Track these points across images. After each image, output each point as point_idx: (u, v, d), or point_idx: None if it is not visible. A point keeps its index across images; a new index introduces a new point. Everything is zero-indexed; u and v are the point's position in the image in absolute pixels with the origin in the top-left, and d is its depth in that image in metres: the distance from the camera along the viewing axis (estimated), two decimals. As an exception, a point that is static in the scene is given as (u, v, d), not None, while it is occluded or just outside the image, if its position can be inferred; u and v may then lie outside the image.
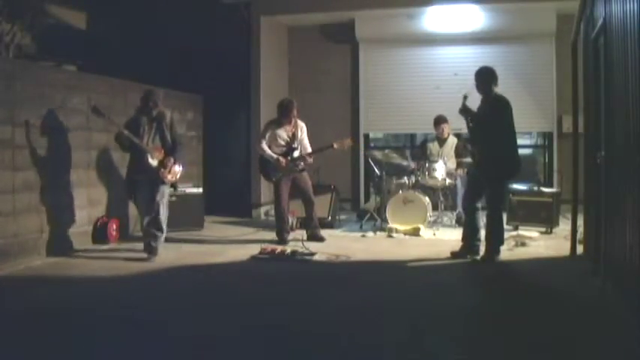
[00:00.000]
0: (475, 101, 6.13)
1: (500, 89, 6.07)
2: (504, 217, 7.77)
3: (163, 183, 6.31)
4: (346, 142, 7.61)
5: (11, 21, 8.72)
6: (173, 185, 7.10)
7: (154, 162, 6.24)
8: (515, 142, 6.09)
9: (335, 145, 7.46)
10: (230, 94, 9.80)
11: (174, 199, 7.96)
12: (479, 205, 6.16)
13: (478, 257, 6.08)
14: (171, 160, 6.31)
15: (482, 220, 6.17)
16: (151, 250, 6.27)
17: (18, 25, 8.81)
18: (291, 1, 9.84)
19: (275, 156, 7.21)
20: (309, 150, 7.37)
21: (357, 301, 4.73)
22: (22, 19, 8.86)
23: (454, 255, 6.21)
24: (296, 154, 7.29)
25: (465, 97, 6.04)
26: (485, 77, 6.04)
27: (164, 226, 6.39)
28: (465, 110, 6.08)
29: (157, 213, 6.28)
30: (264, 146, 7.28)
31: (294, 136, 7.31)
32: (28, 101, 6.33)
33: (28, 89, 6.34)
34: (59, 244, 6.62)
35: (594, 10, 5.34)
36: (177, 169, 6.40)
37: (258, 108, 9.66)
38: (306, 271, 5.89)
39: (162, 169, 6.25)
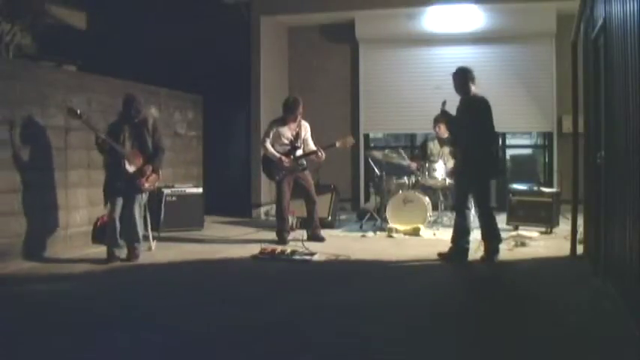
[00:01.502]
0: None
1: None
2: (504, 217, 7.79)
3: (140, 191, 6.17)
4: (348, 141, 7.61)
5: (11, 21, 8.73)
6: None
7: (130, 168, 6.10)
8: (496, 141, 6.07)
9: (337, 144, 7.46)
10: (230, 94, 9.80)
11: (174, 199, 7.98)
12: (469, 205, 6.16)
13: (466, 260, 6.06)
14: (150, 168, 6.20)
15: (471, 221, 6.19)
16: (131, 257, 6.15)
17: (18, 25, 8.81)
18: (291, 1, 9.84)
19: (277, 155, 7.21)
20: (314, 149, 7.35)
21: (357, 301, 4.72)
22: (22, 19, 8.87)
23: (441, 256, 6.16)
24: (299, 153, 7.30)
25: (444, 104, 6.18)
26: (462, 78, 6.01)
27: (140, 235, 6.25)
28: (443, 114, 6.23)
29: (133, 225, 6.14)
30: (268, 145, 7.27)
31: (297, 135, 7.30)
32: (28, 101, 6.33)
33: (28, 89, 6.34)
34: (58, 244, 6.63)
35: (594, 10, 5.34)
36: (155, 177, 6.29)
37: (258, 108, 9.66)
38: (306, 271, 5.89)
39: (140, 177, 6.12)
